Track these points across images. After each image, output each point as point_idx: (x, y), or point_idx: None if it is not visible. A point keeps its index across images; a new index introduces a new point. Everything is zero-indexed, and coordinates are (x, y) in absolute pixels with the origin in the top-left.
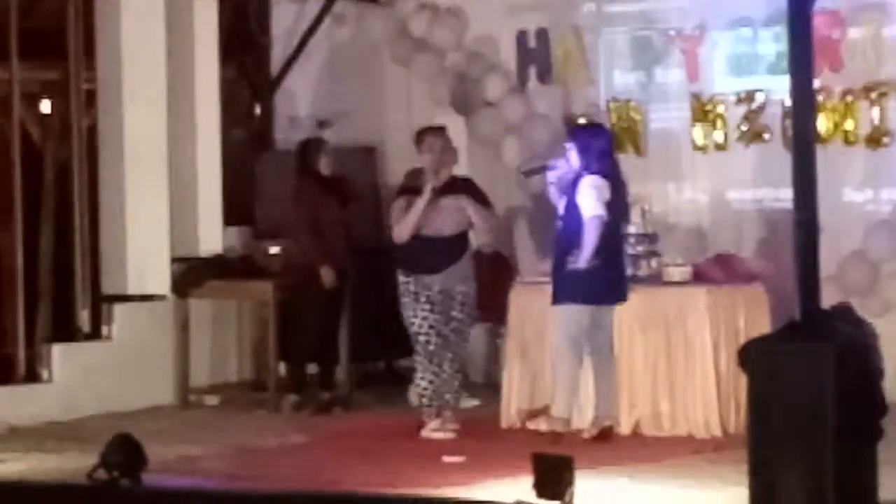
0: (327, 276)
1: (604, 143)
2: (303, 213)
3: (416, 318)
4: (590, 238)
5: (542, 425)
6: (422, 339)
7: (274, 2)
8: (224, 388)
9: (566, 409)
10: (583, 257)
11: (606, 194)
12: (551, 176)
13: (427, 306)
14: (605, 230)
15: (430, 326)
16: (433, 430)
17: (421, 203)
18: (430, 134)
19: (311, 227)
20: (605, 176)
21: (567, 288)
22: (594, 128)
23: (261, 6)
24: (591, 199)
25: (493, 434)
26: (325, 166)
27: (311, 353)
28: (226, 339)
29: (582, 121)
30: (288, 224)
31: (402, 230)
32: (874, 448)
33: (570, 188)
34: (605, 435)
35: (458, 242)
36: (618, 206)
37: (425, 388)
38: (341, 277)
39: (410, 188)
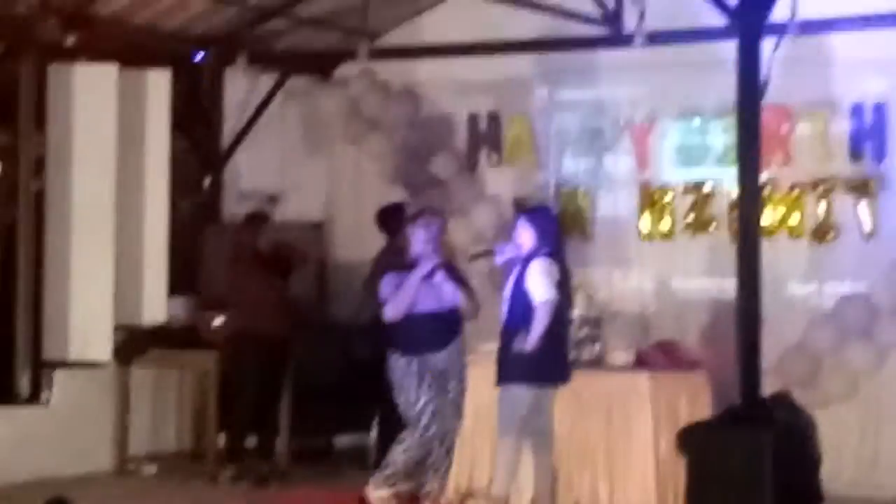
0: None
1: (556, 226)
2: (239, 286)
3: (420, 400)
4: (540, 321)
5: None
6: (423, 421)
7: (227, 75)
8: (162, 457)
9: (505, 489)
10: (531, 340)
11: (557, 277)
12: (498, 260)
13: (430, 386)
14: (552, 314)
15: (433, 410)
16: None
17: (415, 278)
18: (428, 212)
19: (247, 299)
20: (555, 259)
21: (513, 369)
22: (547, 210)
23: (214, 79)
24: (542, 282)
25: None
26: (265, 241)
27: (250, 424)
28: (166, 408)
29: (532, 203)
30: (228, 295)
31: (397, 307)
32: None
33: (517, 270)
34: None
35: (456, 316)
36: (564, 290)
37: (400, 464)
38: (281, 349)
39: (391, 264)
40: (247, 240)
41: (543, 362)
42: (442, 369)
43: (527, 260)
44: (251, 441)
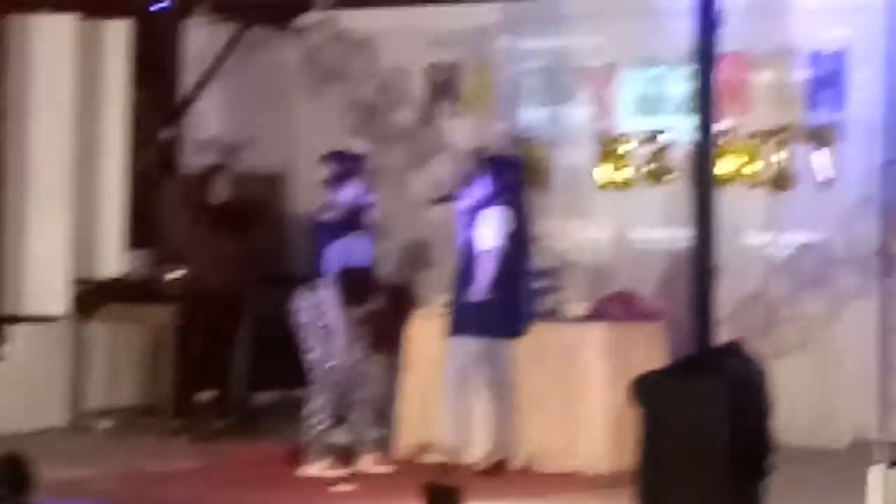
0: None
1: (514, 176)
2: (189, 240)
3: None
4: (485, 270)
5: (434, 457)
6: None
7: (186, 26)
8: (118, 411)
9: (454, 439)
10: (477, 289)
11: (510, 226)
12: (460, 206)
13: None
14: (504, 264)
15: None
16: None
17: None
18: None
19: (198, 253)
20: (512, 207)
21: (462, 320)
22: (508, 159)
23: (173, 30)
24: (491, 230)
25: (387, 464)
26: (216, 194)
27: (199, 379)
28: (122, 363)
29: (494, 152)
30: (180, 249)
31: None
32: (761, 486)
33: (473, 220)
34: (497, 468)
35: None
36: (521, 241)
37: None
38: (233, 305)
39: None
40: (197, 193)
41: (493, 313)
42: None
43: (481, 208)
44: (207, 395)
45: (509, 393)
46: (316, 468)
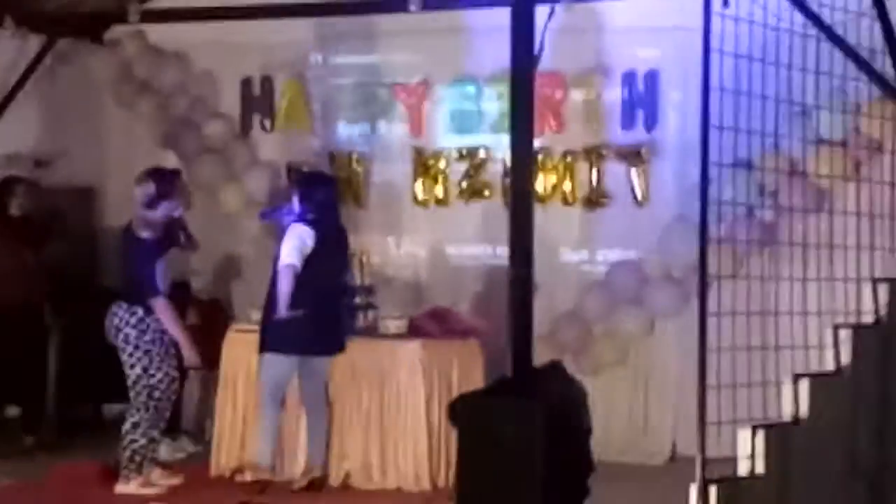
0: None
1: (324, 194)
2: None
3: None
4: (283, 286)
5: (251, 475)
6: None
7: None
8: None
9: (267, 456)
10: (280, 306)
11: (309, 245)
12: (279, 221)
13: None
14: (319, 281)
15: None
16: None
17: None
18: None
19: None
20: (318, 227)
21: (272, 337)
22: (317, 177)
23: None
24: (290, 247)
25: (202, 483)
26: (16, 207)
27: (8, 395)
28: None
29: (305, 169)
30: None
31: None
32: None
33: (281, 238)
34: (314, 485)
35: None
36: (337, 258)
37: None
38: (31, 319)
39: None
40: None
41: (305, 331)
42: None
43: (287, 226)
44: (14, 411)
45: (324, 410)
46: (133, 486)
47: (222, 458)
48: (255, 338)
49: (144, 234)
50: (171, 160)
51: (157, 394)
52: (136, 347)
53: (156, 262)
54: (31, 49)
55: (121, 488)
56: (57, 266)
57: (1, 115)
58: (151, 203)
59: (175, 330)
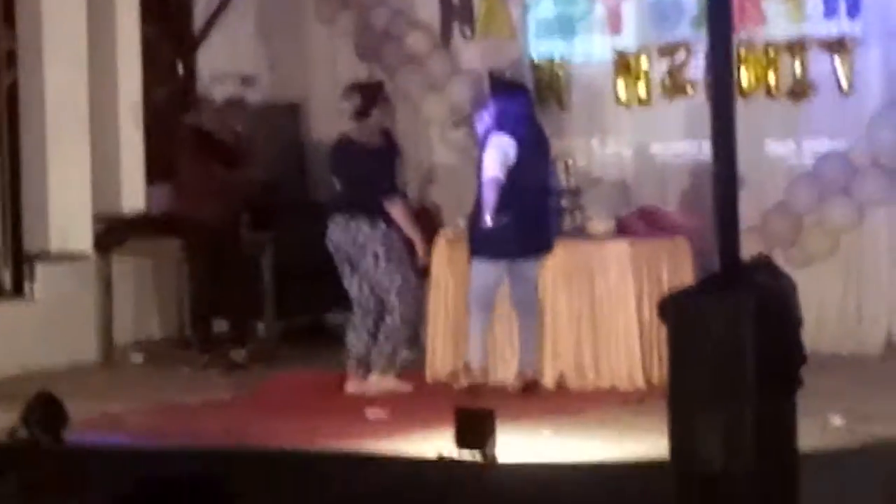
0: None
1: (519, 106)
2: (178, 171)
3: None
4: (488, 198)
5: (463, 381)
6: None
7: None
8: (148, 345)
9: (479, 359)
10: (485, 215)
11: (511, 155)
12: (479, 128)
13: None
14: (524, 185)
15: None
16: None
17: None
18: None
19: (182, 183)
20: (516, 138)
21: (479, 243)
22: (512, 89)
23: None
24: (493, 160)
25: (418, 388)
26: (207, 121)
27: (206, 311)
28: (148, 297)
29: (504, 77)
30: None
31: None
32: (793, 398)
33: (484, 146)
34: (529, 387)
35: None
36: (540, 164)
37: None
38: (221, 236)
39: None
40: (189, 124)
41: (510, 236)
42: None
43: (486, 136)
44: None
45: (534, 312)
46: (390, 380)
47: (437, 364)
48: (462, 245)
49: (372, 142)
50: (374, 73)
51: (412, 297)
52: (389, 260)
53: (388, 168)
54: None
55: (371, 382)
56: (267, 182)
57: (206, 34)
58: (363, 113)
59: (411, 230)
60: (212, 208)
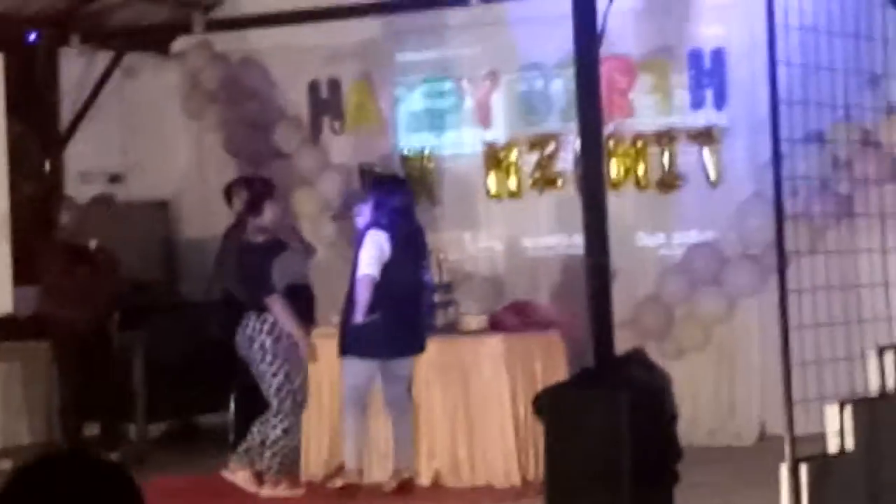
0: None
1: (398, 200)
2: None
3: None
4: (361, 295)
5: (338, 481)
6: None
7: (62, 55)
8: (17, 450)
9: (355, 460)
10: (357, 313)
11: (387, 252)
12: (358, 222)
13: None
14: (395, 284)
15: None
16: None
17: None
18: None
19: (51, 285)
20: (392, 233)
21: (349, 341)
22: (389, 183)
23: (49, 60)
24: (369, 256)
25: (293, 488)
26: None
27: (80, 412)
28: (18, 401)
29: (378, 171)
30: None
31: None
32: (670, 492)
33: (359, 241)
34: (404, 487)
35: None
36: (415, 260)
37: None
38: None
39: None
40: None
41: (382, 334)
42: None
43: (363, 232)
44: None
45: (408, 411)
46: (281, 489)
47: (311, 465)
48: (335, 342)
49: (258, 238)
50: (243, 168)
51: (299, 398)
52: (275, 356)
53: (271, 265)
54: (98, 66)
55: (267, 492)
56: (136, 281)
57: (73, 132)
58: (254, 207)
59: (291, 326)
60: (80, 310)
